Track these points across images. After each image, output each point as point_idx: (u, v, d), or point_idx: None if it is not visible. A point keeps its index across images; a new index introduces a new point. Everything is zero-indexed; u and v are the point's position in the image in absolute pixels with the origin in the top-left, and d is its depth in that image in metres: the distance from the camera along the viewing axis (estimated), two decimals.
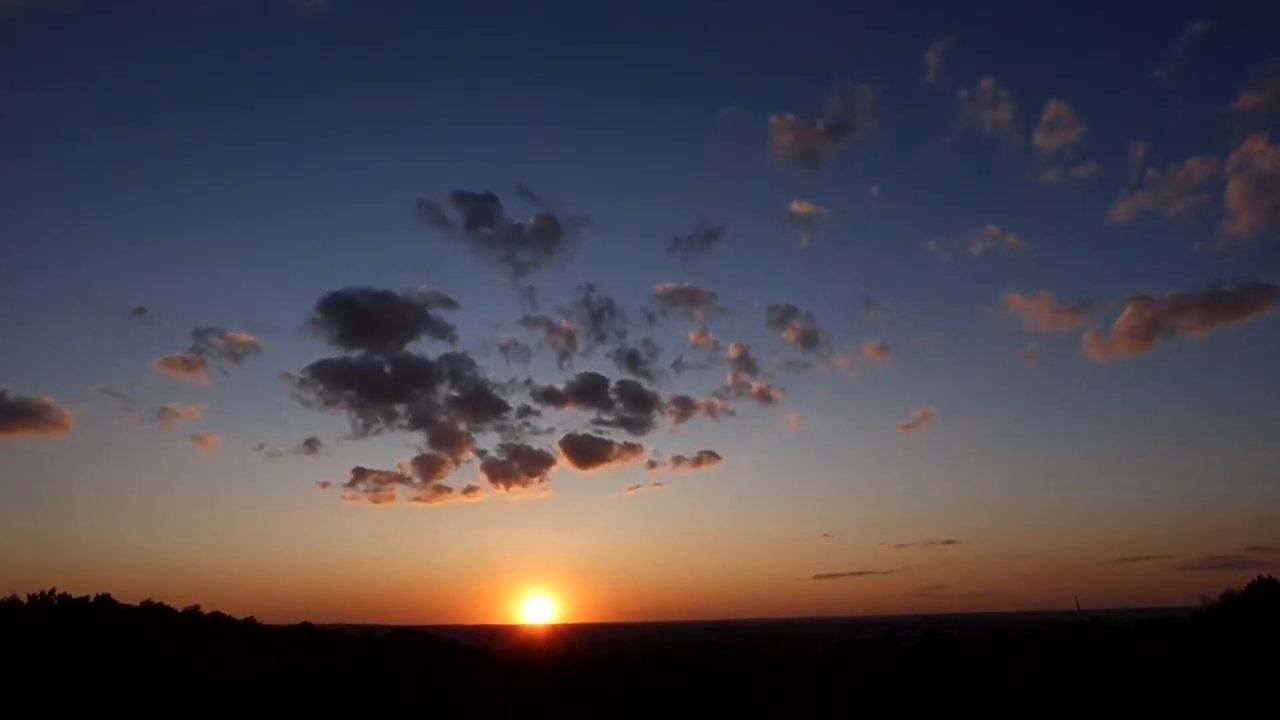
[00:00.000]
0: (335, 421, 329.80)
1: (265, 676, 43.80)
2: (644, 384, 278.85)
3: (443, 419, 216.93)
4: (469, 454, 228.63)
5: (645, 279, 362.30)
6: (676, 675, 50.47)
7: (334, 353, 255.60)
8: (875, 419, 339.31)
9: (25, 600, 47.04)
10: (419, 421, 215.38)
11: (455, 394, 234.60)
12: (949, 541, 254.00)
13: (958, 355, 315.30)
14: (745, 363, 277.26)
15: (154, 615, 54.09)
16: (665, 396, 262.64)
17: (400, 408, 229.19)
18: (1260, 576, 42.10)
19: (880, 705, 40.91)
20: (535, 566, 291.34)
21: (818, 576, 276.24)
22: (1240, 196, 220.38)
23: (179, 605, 58.24)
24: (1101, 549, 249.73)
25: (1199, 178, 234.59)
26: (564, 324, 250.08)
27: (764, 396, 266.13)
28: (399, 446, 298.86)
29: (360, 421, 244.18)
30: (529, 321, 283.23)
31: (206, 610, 60.41)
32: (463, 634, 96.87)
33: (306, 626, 67.02)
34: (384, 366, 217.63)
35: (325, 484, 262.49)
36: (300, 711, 40.99)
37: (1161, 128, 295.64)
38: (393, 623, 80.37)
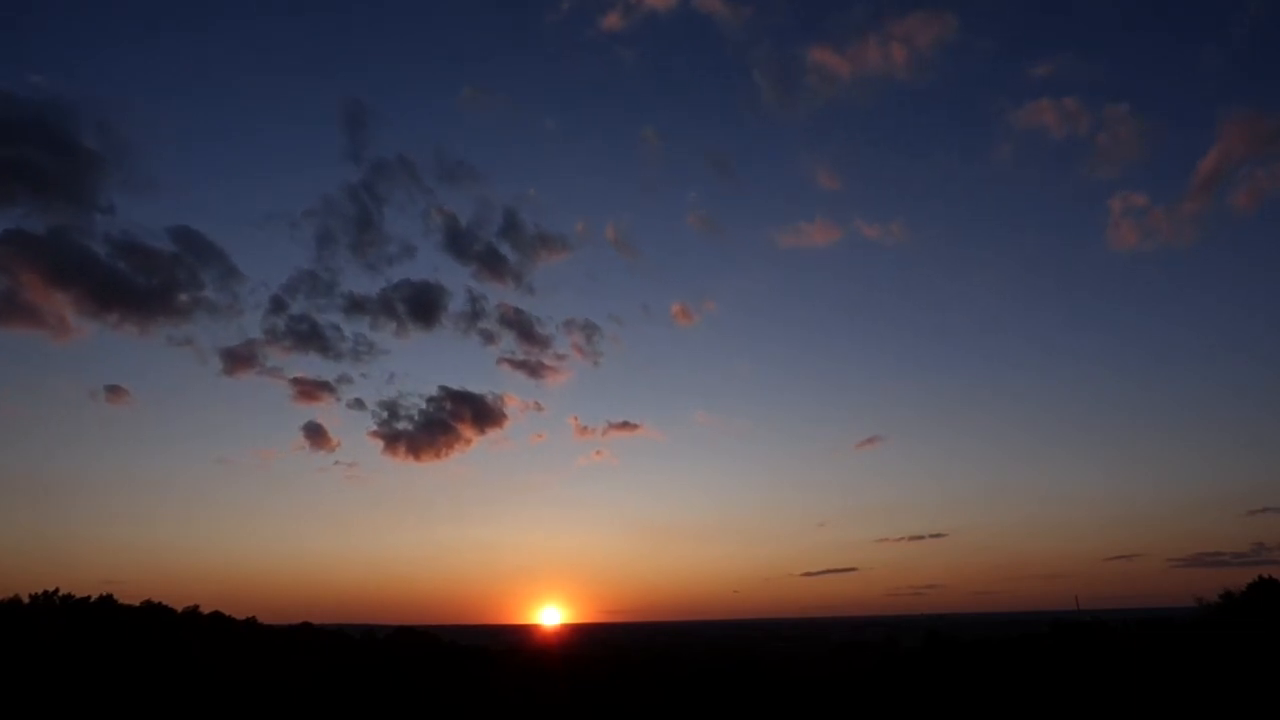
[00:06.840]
0: (103, 349, 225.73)
1: (260, 675, 43.68)
2: (501, 291, 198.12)
3: (256, 354, 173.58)
4: (325, 407, 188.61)
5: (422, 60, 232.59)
6: (677, 676, 50.34)
7: None
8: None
9: (26, 600, 46.95)
10: (234, 362, 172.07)
11: (254, 306, 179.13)
12: (936, 535, 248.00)
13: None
14: (633, 254, 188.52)
15: (154, 615, 53.97)
16: (555, 320, 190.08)
17: (182, 331, 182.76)
18: (1260, 576, 42.40)
19: (882, 705, 40.84)
20: (487, 563, 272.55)
21: (804, 574, 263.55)
22: None
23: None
24: (1094, 541, 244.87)
25: None
26: (338, 213, 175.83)
27: (683, 316, 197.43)
28: (215, 397, 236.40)
29: (161, 354, 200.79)
30: (280, 195, 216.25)
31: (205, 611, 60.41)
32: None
33: (307, 626, 67.07)
34: (88, 244, 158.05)
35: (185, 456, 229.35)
36: (299, 709, 40.86)
37: None
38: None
